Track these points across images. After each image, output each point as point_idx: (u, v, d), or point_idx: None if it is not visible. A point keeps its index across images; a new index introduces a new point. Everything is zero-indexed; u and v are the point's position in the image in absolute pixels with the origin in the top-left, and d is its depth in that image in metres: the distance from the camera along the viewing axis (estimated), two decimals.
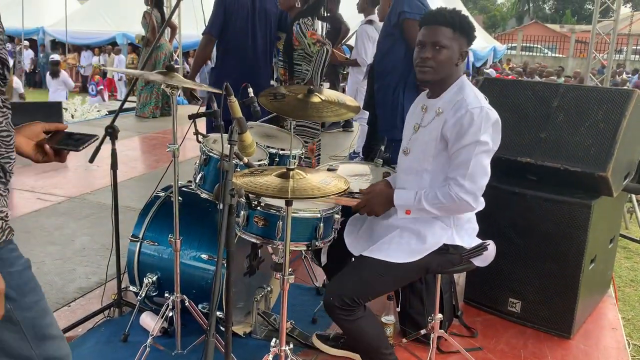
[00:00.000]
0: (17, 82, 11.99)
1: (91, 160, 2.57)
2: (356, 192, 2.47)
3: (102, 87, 13.67)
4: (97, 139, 1.51)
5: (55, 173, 5.29)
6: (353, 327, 2.08)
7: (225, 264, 1.67)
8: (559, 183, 2.77)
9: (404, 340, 2.66)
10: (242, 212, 2.20)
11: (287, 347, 2.02)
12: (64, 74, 11.61)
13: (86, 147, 1.45)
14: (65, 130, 1.49)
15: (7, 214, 1.25)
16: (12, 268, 1.26)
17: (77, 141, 1.44)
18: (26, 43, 17.06)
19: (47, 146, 1.42)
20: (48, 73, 11.90)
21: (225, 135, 1.78)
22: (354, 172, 2.81)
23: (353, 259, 2.36)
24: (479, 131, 1.98)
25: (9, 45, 16.85)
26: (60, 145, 1.42)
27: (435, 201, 2.06)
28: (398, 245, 2.12)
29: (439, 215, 2.12)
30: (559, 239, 2.71)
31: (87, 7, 17.16)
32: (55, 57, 12.40)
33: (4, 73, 1.19)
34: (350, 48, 6.92)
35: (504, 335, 2.83)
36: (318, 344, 2.53)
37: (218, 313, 2.33)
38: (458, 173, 2.03)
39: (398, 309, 2.71)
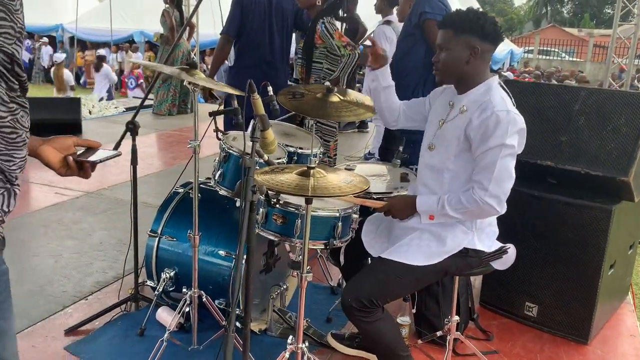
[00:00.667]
0: (67, 75, 12.27)
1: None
2: (374, 193, 2.47)
3: (142, 80, 13.90)
4: (120, 154, 1.47)
5: None
6: (371, 328, 2.08)
7: (245, 261, 1.67)
8: (579, 187, 2.74)
9: (419, 341, 2.65)
10: (260, 210, 2.21)
11: (304, 345, 2.02)
12: (106, 67, 12.11)
13: (106, 160, 1.40)
14: (100, 148, 1.44)
15: None
16: None
17: (101, 155, 1.39)
18: (45, 40, 17.26)
19: (70, 158, 1.36)
20: (92, 66, 13.10)
21: (247, 132, 1.79)
22: (372, 172, 2.81)
23: (370, 260, 2.36)
24: (505, 134, 1.96)
25: (28, 42, 17.12)
26: (81, 157, 1.38)
27: (459, 206, 2.04)
28: (417, 248, 2.11)
29: (462, 220, 2.10)
30: (578, 243, 2.69)
31: (105, 4, 17.31)
32: (101, 51, 13.43)
33: (14, 69, 1.14)
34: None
35: (520, 339, 2.81)
36: (333, 343, 2.53)
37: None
38: (483, 176, 2.00)
39: (414, 311, 2.70)
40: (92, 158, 1.38)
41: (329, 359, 2.51)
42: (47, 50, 17.19)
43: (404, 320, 2.64)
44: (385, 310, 2.12)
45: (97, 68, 12.65)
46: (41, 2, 16.13)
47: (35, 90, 13.22)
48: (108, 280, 3.19)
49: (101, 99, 10.07)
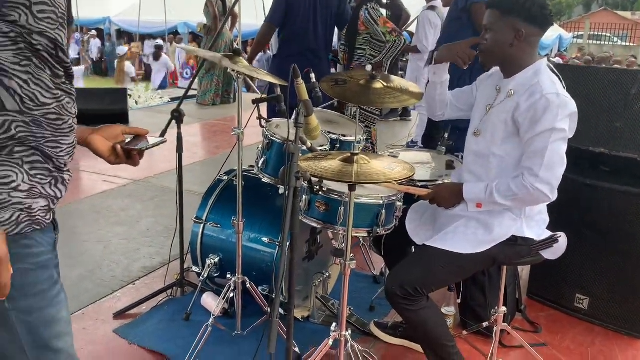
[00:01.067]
0: (128, 67, 12.70)
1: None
2: (418, 180, 2.43)
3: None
4: (165, 141, 1.50)
5: None
6: (415, 317, 2.05)
7: (289, 248, 1.67)
8: (634, 175, 2.62)
9: (464, 332, 2.60)
10: (303, 197, 2.20)
11: (347, 333, 2.01)
12: (164, 57, 12.38)
13: (152, 147, 1.42)
14: (147, 136, 1.46)
15: (31, 206, 1.14)
16: (20, 264, 1.15)
17: (144, 143, 1.42)
18: (94, 32, 17.75)
19: (118, 146, 1.38)
20: (152, 55, 13.49)
21: (291, 120, 1.78)
22: (416, 160, 2.76)
23: (414, 248, 2.32)
24: (556, 118, 1.88)
25: (77, 35, 17.64)
26: (129, 145, 1.40)
27: (508, 193, 1.98)
28: (463, 236, 2.06)
29: (510, 207, 2.04)
30: (633, 234, 2.57)
31: None
32: (159, 42, 13.98)
33: (58, 54, 1.15)
34: (411, 35, 6.80)
35: (569, 332, 2.72)
36: (376, 331, 2.51)
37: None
38: (533, 162, 1.93)
39: (459, 301, 2.65)
40: (139, 146, 1.40)
41: (372, 347, 2.50)
42: (95, 42, 17.67)
43: (449, 310, 2.59)
44: (430, 299, 2.09)
45: (156, 57, 12.97)
46: None
47: (85, 82, 13.63)
48: (155, 265, 3.27)
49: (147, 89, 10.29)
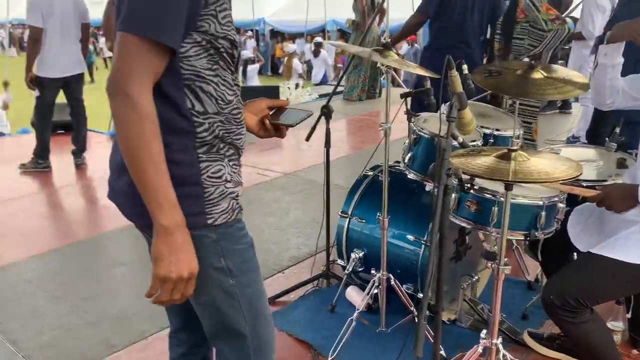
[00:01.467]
0: (296, 64, 13.65)
1: (307, 138, 2.71)
2: (584, 180, 2.20)
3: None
4: (311, 114, 1.55)
5: (273, 151, 5.78)
6: (576, 330, 1.86)
7: (438, 247, 1.60)
8: None
9: (634, 351, 2.32)
10: (453, 195, 2.11)
11: (498, 341, 1.89)
12: (323, 53, 12.96)
13: (300, 122, 1.49)
14: (287, 107, 1.55)
15: (237, 193, 1.29)
16: (237, 245, 1.30)
17: (294, 117, 1.50)
18: (249, 33, 18.91)
19: (267, 121, 1.48)
20: (312, 52, 14.25)
21: (442, 113, 1.71)
22: (580, 157, 2.51)
23: (576, 255, 2.11)
24: None
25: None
26: (278, 121, 1.49)
27: None
28: (637, 243, 1.82)
29: None
30: None
31: None
32: (319, 39, 14.59)
33: (233, 53, 1.25)
34: (575, 20, 6.23)
35: None
36: (530, 342, 2.33)
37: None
38: None
39: (628, 315, 2.36)
40: (288, 121, 1.48)
41: (525, 359, 2.33)
42: (251, 43, 18.85)
43: (616, 325, 2.33)
44: (594, 312, 1.88)
45: (316, 54, 13.57)
46: None
47: (259, 80, 14.57)
48: (302, 256, 3.38)
49: (297, 86, 10.70)
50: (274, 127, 1.50)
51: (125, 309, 2.82)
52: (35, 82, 4.89)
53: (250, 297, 1.34)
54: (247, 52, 14.80)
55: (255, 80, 13.23)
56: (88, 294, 2.98)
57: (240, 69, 13.88)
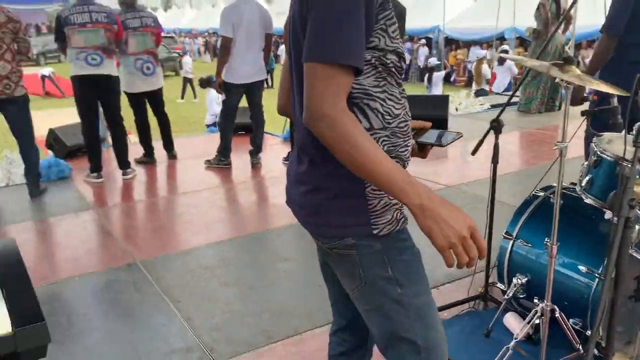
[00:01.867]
0: (485, 69, 13.62)
1: (473, 152, 2.63)
2: None
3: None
4: (461, 136, 1.51)
5: (438, 162, 5.69)
6: None
7: (614, 283, 1.45)
8: None
9: None
10: (636, 227, 1.89)
11: None
12: (509, 62, 12.69)
13: (451, 143, 1.46)
14: (431, 128, 1.54)
15: (401, 204, 1.30)
16: (403, 256, 1.31)
17: (441, 138, 1.48)
18: (423, 41, 18.84)
19: (413, 142, 1.45)
20: (496, 60, 13.76)
21: (630, 137, 1.54)
22: None
23: None
24: None
25: (408, 44, 19.02)
26: (424, 140, 1.47)
27: None
28: None
29: None
30: None
31: (481, 3, 17.77)
32: (505, 47, 14.60)
33: (401, 65, 1.26)
34: None
35: None
36: None
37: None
38: None
39: None
40: (439, 141, 1.47)
41: None
42: (423, 51, 18.77)
43: None
44: None
45: (501, 62, 13.19)
46: (421, 5, 17.67)
47: (410, 89, 14.58)
48: (459, 274, 3.27)
49: (470, 95, 10.39)
50: (418, 147, 1.50)
51: (284, 303, 2.99)
52: (222, 87, 5.44)
53: (419, 307, 1.33)
54: (434, 60, 14.76)
55: (439, 88, 13.19)
56: (253, 285, 3.23)
57: (427, 75, 13.96)
